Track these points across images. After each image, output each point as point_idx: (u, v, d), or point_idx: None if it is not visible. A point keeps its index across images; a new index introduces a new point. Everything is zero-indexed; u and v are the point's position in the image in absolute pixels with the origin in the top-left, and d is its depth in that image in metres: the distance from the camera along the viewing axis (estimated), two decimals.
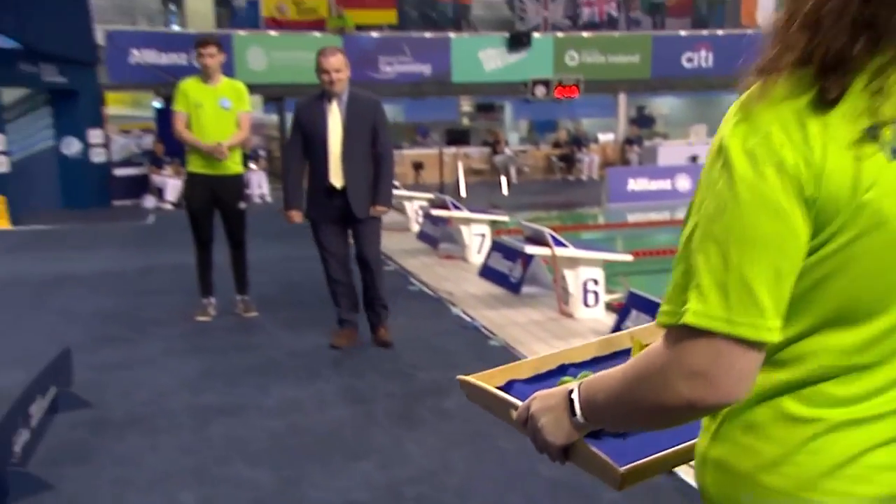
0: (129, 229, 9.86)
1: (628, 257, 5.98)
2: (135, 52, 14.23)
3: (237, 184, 5.32)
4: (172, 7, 16.18)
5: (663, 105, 20.65)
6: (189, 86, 5.11)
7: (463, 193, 12.81)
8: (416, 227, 9.56)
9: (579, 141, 18.17)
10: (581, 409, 0.99)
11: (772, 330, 0.84)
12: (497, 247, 6.67)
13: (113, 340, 4.87)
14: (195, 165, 5.05)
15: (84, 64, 12.49)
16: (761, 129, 0.84)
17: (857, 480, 0.88)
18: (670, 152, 17.03)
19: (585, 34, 18.02)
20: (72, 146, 12.60)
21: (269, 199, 14.02)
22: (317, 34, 15.93)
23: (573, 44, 17.45)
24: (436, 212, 8.06)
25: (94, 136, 12.77)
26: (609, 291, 5.63)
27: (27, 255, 8.11)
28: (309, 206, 4.54)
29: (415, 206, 9.96)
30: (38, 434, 3.25)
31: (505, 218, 8.57)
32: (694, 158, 15.63)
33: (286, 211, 4.60)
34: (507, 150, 17.75)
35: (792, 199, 0.83)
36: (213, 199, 5.11)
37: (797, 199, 0.83)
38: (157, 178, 12.99)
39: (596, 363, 1.41)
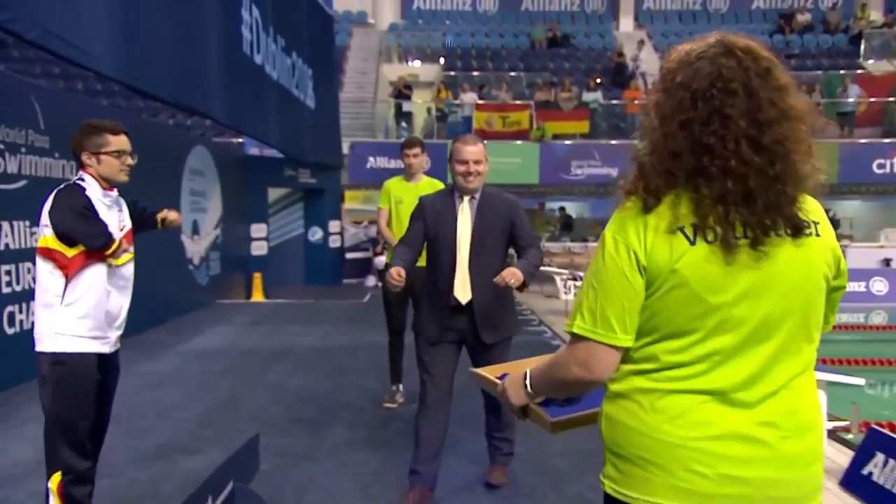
0: (348, 306, 9.80)
1: (860, 381, 3.90)
2: (371, 158, 14.93)
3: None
4: (403, 123, 16.72)
5: (849, 208, 18.02)
6: (393, 184, 4.81)
7: None
8: (563, 297, 10.21)
9: None
10: (529, 383, 1.46)
11: (621, 340, 1.26)
12: None
13: (305, 423, 4.43)
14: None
15: (331, 168, 13.05)
16: (621, 227, 1.28)
17: (684, 426, 1.23)
18: (859, 254, 14.57)
19: None
20: (316, 234, 13.09)
21: None
22: (518, 142, 15.78)
23: None
24: None
25: (333, 226, 13.20)
26: (833, 418, 4.14)
27: (268, 327, 8.16)
28: (420, 321, 3.27)
29: (564, 277, 10.65)
30: None
31: None
32: (888, 262, 13.17)
33: (388, 271, 3.07)
34: None
35: (633, 268, 1.25)
36: (408, 289, 4.62)
37: (636, 268, 1.25)
38: (377, 261, 13.09)
39: None
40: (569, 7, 22.63)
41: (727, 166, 1.19)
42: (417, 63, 19.69)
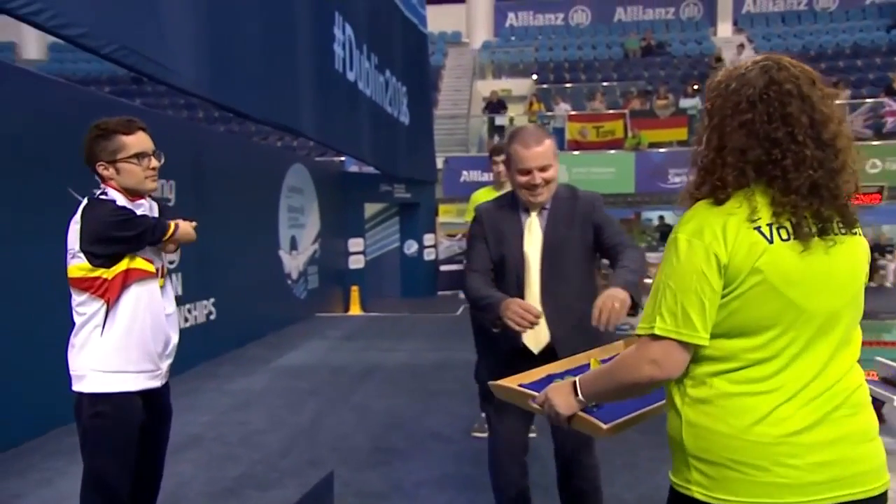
0: (441, 320, 9.30)
1: None
2: (465, 172, 14.55)
3: None
4: (497, 137, 16.18)
5: None
6: (480, 195, 4.26)
7: None
8: None
9: (881, 247, 14.35)
10: (581, 391, 1.43)
11: (702, 338, 1.25)
12: None
13: (388, 454, 3.92)
14: None
15: (426, 183, 12.71)
16: (697, 229, 1.27)
17: (773, 424, 1.23)
18: None
19: (889, 142, 14.43)
20: (411, 247, 12.76)
21: None
22: (612, 151, 14.87)
23: (875, 152, 14.00)
24: None
25: (428, 239, 12.82)
26: None
27: (360, 343, 7.80)
28: (483, 365, 2.58)
29: None
30: None
31: None
32: None
33: (499, 317, 2.12)
34: None
35: (712, 268, 1.24)
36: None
37: (716, 268, 1.24)
38: None
39: (567, 374, 1.83)
40: (663, 15, 21.37)
41: (800, 156, 1.24)
42: (510, 78, 19.15)
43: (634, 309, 2.01)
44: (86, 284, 2.13)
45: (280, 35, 5.61)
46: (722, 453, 1.25)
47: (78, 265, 2.13)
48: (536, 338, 2.25)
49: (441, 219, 13.64)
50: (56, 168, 4.10)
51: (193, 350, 6.30)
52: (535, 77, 18.90)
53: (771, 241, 1.23)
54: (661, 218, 16.60)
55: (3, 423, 3.87)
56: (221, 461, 3.85)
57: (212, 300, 6.63)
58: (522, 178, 2.25)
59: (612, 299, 1.97)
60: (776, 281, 1.22)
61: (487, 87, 18.54)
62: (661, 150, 15.11)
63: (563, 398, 1.45)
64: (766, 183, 1.25)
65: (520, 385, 1.78)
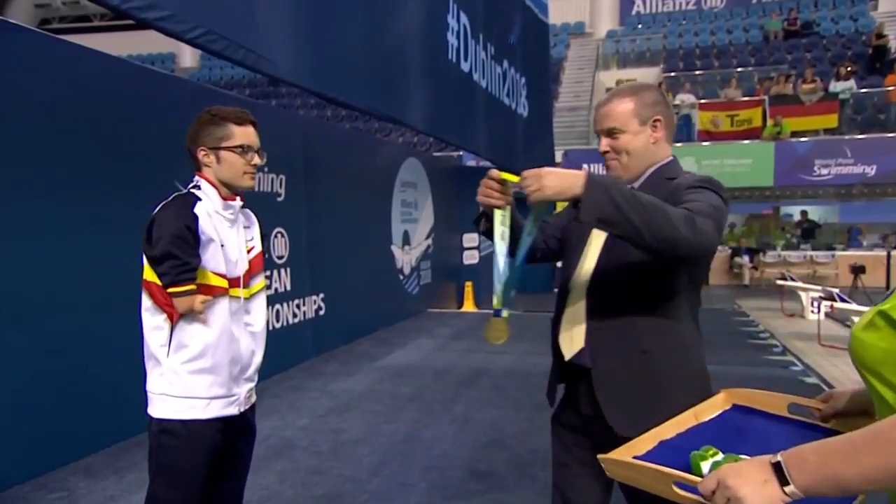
0: None
1: None
2: (585, 165, 13.62)
3: None
4: None
5: None
6: None
7: None
8: (811, 316, 8.06)
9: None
10: (794, 476, 0.84)
11: None
12: None
13: (487, 481, 3.37)
14: None
15: None
16: None
17: None
18: None
19: None
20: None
21: None
22: (746, 142, 13.27)
23: None
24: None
25: None
26: None
27: (467, 342, 7.31)
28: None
29: (813, 294, 8.46)
30: None
31: None
32: None
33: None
34: None
35: None
36: None
37: None
38: None
39: (680, 438, 1.24)
40: None
41: None
42: (635, 68, 17.81)
43: (575, 205, 1.41)
44: (152, 289, 1.83)
45: (388, 22, 5.19)
46: None
47: (147, 266, 1.84)
48: (570, 343, 1.66)
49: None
50: (178, 162, 3.93)
51: (302, 346, 6.09)
52: (662, 65, 17.45)
53: None
54: (804, 213, 14.67)
55: (100, 421, 3.74)
56: (309, 475, 3.48)
57: (321, 295, 6.40)
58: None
59: (548, 172, 1.42)
60: None
61: (611, 77, 17.35)
62: (805, 139, 13.29)
63: (755, 487, 0.85)
64: None
65: (634, 458, 1.16)
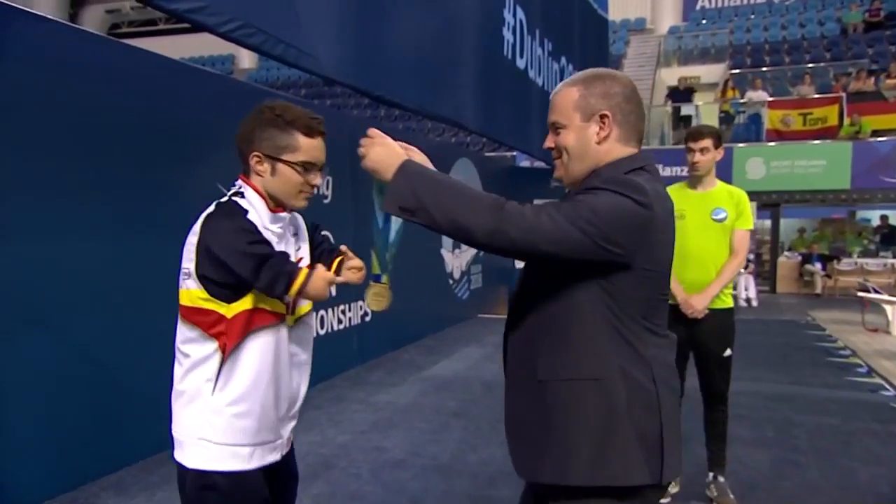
0: None
1: None
2: None
3: (724, 323, 3.07)
4: (682, 127, 14.31)
5: None
6: (671, 193, 3.16)
7: None
8: None
9: None
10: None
11: None
12: None
13: None
14: None
15: None
16: None
17: None
18: None
19: None
20: None
21: (754, 303, 10.95)
22: (816, 142, 12.34)
23: None
24: None
25: None
26: None
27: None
28: None
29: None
30: None
31: None
32: None
33: None
34: None
35: None
36: (688, 339, 2.99)
37: None
38: None
39: None
40: None
41: None
42: (698, 65, 16.96)
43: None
44: (198, 318, 1.51)
45: (440, 17, 4.88)
46: None
47: (191, 290, 1.51)
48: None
49: None
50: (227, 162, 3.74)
51: (346, 354, 5.87)
52: (728, 62, 16.54)
53: None
54: (885, 218, 13.61)
55: (128, 436, 3.58)
56: (346, 501, 3.21)
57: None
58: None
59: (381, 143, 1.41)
60: None
61: (672, 74, 16.57)
62: (888, 138, 12.27)
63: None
64: None
65: None
